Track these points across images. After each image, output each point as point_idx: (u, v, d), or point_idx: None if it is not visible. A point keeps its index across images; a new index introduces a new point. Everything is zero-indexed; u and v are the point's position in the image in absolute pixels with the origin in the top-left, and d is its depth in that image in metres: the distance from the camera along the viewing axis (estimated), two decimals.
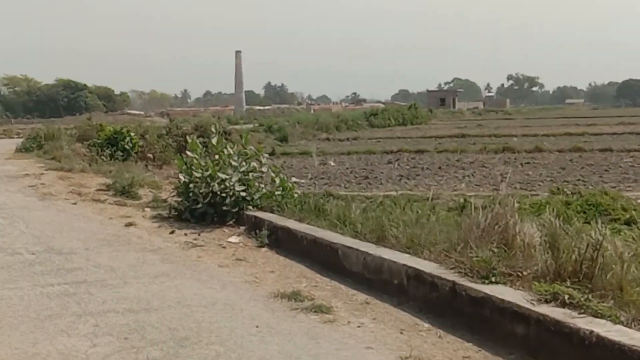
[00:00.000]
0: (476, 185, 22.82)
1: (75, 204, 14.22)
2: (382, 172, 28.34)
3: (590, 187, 20.10)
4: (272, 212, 11.01)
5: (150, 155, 24.12)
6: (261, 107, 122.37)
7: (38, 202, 14.62)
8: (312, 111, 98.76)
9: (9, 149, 29.42)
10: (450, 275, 6.62)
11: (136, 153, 24.02)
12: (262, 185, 11.94)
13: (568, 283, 5.90)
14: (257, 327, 6.41)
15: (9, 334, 6.27)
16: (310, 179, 25.25)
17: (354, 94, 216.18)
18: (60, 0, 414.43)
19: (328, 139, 50.47)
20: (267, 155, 13.43)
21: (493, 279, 6.32)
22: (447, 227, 8.18)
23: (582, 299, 5.59)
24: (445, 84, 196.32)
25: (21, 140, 31.68)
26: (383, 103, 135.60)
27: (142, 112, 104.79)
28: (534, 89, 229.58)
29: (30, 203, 14.45)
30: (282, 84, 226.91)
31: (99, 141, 24.66)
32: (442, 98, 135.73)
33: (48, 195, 15.48)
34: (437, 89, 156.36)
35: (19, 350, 5.88)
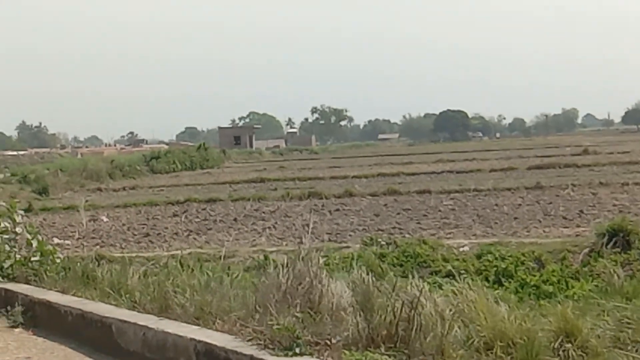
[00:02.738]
0: (279, 238, 23.03)
1: None
2: (166, 228, 28.20)
3: (407, 235, 20.78)
4: (27, 282, 10.68)
5: None
6: (14, 153, 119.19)
7: None
8: (79, 156, 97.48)
9: None
10: (248, 349, 6.58)
11: None
12: (15, 250, 11.55)
13: (383, 349, 6.04)
14: None
15: None
16: (78, 239, 24.78)
17: (131, 133, 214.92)
18: None
19: (100, 189, 49.82)
20: (22, 212, 13.00)
21: (297, 350, 6.34)
22: (243, 291, 8.20)
23: None
24: (240, 119, 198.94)
25: None
26: (167, 144, 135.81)
27: None
28: (343, 123, 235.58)
29: None
30: (41, 124, 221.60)
31: None
32: (236, 136, 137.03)
33: None
34: (230, 126, 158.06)
35: None
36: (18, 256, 11.36)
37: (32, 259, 11.36)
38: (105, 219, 30.92)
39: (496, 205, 29.82)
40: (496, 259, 14.95)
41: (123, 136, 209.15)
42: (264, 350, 6.48)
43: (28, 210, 26.07)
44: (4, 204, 12.19)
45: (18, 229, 11.77)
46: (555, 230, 22.30)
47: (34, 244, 11.72)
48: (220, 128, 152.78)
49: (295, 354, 6.29)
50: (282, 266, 7.93)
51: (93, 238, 25.59)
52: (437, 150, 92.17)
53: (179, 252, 18.37)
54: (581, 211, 26.31)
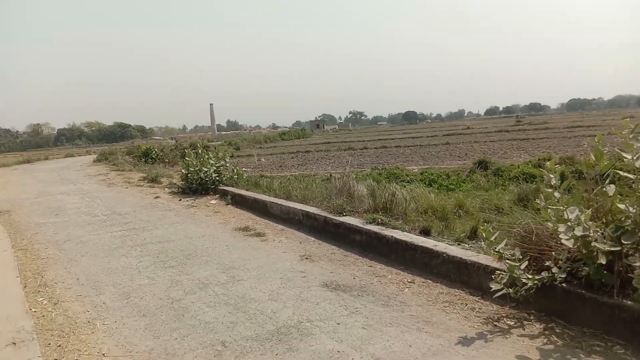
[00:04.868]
0: (335, 167, 22.95)
1: (127, 188, 13.75)
2: (288, 163, 28.27)
3: (390, 165, 20.57)
4: (232, 186, 10.85)
5: (167, 160, 23.54)
6: (225, 132, 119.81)
7: (107, 188, 14.08)
8: (251, 133, 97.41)
9: (89, 160, 29.21)
10: (323, 213, 6.66)
11: (158, 159, 23.55)
12: (227, 173, 11.73)
13: (380, 213, 6.05)
14: (226, 246, 6.35)
15: (94, 258, 6.08)
16: (252, 168, 24.91)
17: (273, 123, 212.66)
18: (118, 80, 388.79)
19: (261, 147, 49.80)
20: (229, 157, 13.18)
21: (344, 214, 6.41)
22: (321, 189, 8.24)
23: (387, 220, 5.75)
24: (319, 116, 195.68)
25: (96, 156, 31.89)
26: (288, 128, 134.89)
27: (162, 138, 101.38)
28: (362, 118, 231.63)
29: (102, 189, 13.91)
30: (236, 120, 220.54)
31: (138, 154, 24.59)
32: (317, 124, 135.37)
33: (112, 184, 14.97)
34: (315, 120, 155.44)
35: (100, 266, 5.71)
36: (228, 175, 11.57)
37: (234, 177, 11.56)
38: (263, 160, 31.02)
39: (428, 152, 29.40)
40: (429, 174, 14.80)
41: (270, 124, 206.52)
42: (330, 213, 6.56)
43: (232, 157, 26.18)
44: (222, 154, 12.36)
45: (227, 164, 11.96)
46: (455, 162, 21.93)
47: (234, 170, 11.93)
48: (310, 121, 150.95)
49: (343, 215, 6.36)
50: (337, 179, 7.96)
51: (258, 168, 25.73)
52: (404, 130, 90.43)
53: (294, 173, 18.45)
54: (466, 154, 25.81)
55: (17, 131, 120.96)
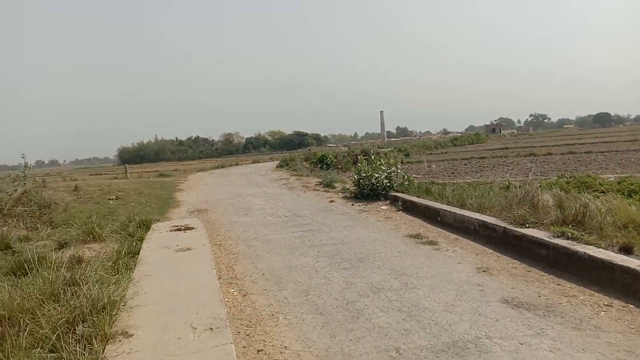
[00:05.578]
0: (514, 174, 21.46)
1: (304, 192, 14.63)
2: (461, 170, 27.30)
3: (580, 173, 18.54)
4: (403, 193, 10.84)
5: (340, 166, 24.55)
6: (395, 139, 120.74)
7: (287, 191, 15.17)
8: (421, 139, 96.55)
9: (272, 166, 31.86)
10: (502, 224, 6.28)
11: (332, 165, 24.67)
12: (397, 179, 11.77)
13: (570, 226, 5.50)
14: (398, 252, 6.36)
15: (277, 256, 6.59)
16: (422, 175, 24.59)
17: (444, 129, 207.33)
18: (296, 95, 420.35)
19: (431, 154, 48.91)
20: (399, 163, 13.21)
21: (527, 225, 5.96)
22: (499, 198, 7.78)
23: (578, 234, 5.20)
24: (495, 120, 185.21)
25: (278, 162, 34.55)
26: (460, 133, 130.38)
27: (335, 145, 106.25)
28: (545, 120, 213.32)
29: (284, 192, 15.02)
30: (405, 126, 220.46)
31: (314, 161, 25.96)
32: (493, 128, 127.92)
33: (292, 188, 16.07)
34: (490, 124, 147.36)
35: (282, 263, 6.18)
36: (399, 181, 11.59)
37: (404, 183, 11.54)
38: (434, 166, 30.38)
39: (627, 158, 25.80)
40: (629, 184, 12.99)
41: (440, 130, 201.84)
42: (511, 224, 6.17)
43: (402, 163, 26.18)
44: (392, 160, 12.44)
45: (398, 170, 11.99)
46: None
47: (405, 177, 11.91)
48: (485, 125, 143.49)
49: (526, 227, 5.93)
50: (517, 187, 7.45)
51: (428, 174, 25.27)
52: (594, 133, 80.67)
53: (467, 180, 17.72)
54: None
55: (213, 140, 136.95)
